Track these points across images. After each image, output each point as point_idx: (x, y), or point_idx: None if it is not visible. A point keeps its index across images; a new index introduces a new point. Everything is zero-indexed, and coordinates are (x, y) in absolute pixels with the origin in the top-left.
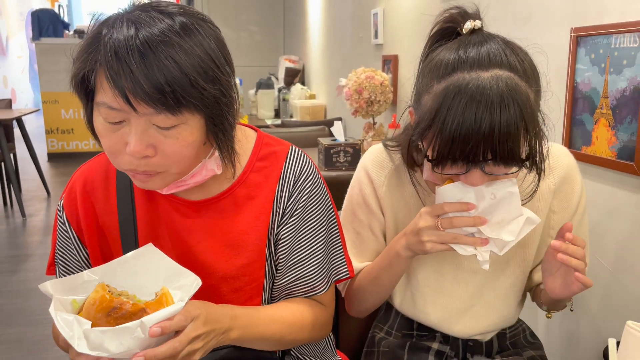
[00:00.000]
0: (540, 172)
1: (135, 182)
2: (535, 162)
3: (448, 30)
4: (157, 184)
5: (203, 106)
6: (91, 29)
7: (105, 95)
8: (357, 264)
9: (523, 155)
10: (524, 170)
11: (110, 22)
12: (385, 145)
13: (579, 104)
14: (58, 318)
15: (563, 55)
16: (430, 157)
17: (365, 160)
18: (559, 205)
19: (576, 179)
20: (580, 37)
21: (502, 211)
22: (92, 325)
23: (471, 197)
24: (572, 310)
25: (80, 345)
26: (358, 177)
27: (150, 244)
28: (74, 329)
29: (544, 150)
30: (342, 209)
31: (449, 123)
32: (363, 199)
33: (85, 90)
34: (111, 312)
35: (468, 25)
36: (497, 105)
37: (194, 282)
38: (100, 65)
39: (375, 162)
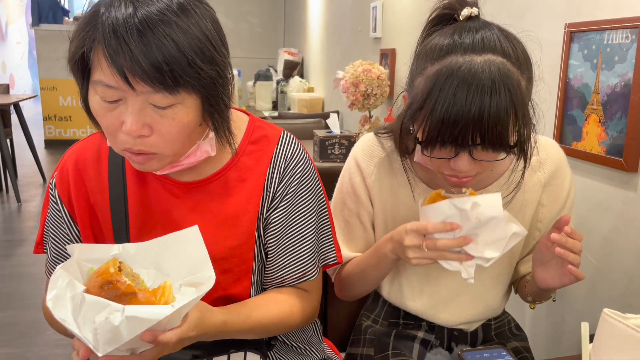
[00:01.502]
0: (527, 160)
1: (133, 165)
2: (523, 149)
3: (445, 17)
4: (153, 166)
5: (200, 86)
6: (87, 9)
7: (103, 73)
8: (346, 252)
9: (511, 142)
10: (511, 162)
11: (108, 1)
12: (377, 133)
13: (570, 99)
14: (58, 274)
15: (557, 51)
16: (420, 139)
17: (355, 149)
18: (548, 198)
19: (566, 173)
20: (573, 33)
21: (486, 234)
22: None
23: (455, 217)
24: (554, 301)
25: (57, 308)
26: (348, 166)
27: (196, 226)
28: (66, 292)
29: (532, 140)
30: (333, 197)
31: (439, 105)
32: (352, 188)
33: (82, 68)
34: (104, 286)
35: (465, 12)
36: (488, 89)
37: (207, 281)
38: (98, 43)
39: (365, 151)
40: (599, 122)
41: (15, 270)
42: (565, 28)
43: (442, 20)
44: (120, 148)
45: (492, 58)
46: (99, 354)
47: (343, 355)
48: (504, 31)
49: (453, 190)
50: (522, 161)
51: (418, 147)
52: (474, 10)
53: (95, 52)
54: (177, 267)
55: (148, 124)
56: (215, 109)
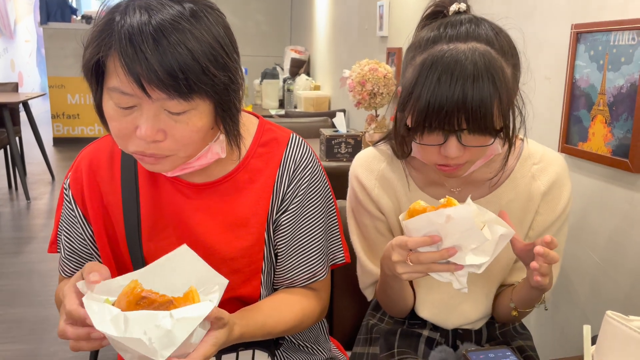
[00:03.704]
0: (510, 145)
1: (144, 165)
2: (508, 134)
3: (437, 14)
4: (165, 167)
5: (213, 92)
6: (101, 15)
7: (119, 80)
8: (376, 269)
9: (497, 126)
10: (503, 159)
11: (122, 8)
12: (375, 146)
13: (577, 100)
14: (89, 304)
15: (563, 51)
16: (409, 126)
17: (353, 167)
18: (545, 207)
19: (566, 185)
20: (580, 34)
21: (469, 242)
22: None
23: (435, 229)
24: (546, 309)
25: (105, 330)
26: (351, 186)
27: (185, 245)
28: (104, 315)
29: (522, 131)
30: (347, 220)
31: (425, 91)
32: (361, 205)
33: (96, 74)
34: (140, 302)
35: (453, 7)
36: (471, 74)
37: (221, 284)
38: (114, 50)
39: (364, 166)
40: (605, 123)
41: (25, 268)
42: (571, 29)
43: (434, 16)
44: (132, 151)
45: (476, 46)
46: None
47: (349, 354)
48: (489, 23)
49: (446, 194)
50: (522, 171)
51: (415, 142)
52: (462, 6)
53: (111, 59)
54: (184, 283)
55: (162, 129)
56: (227, 114)
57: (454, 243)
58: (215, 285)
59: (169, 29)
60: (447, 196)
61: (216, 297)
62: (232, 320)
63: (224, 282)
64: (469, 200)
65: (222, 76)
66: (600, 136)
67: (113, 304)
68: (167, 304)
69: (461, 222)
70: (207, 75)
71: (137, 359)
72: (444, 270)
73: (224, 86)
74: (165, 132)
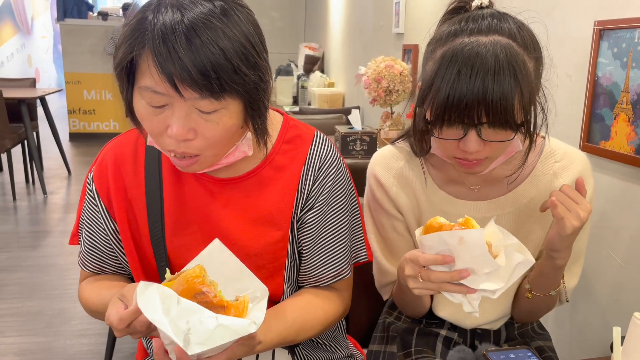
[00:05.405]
0: (531, 141)
1: (177, 167)
2: (529, 129)
3: (460, 9)
4: (195, 169)
5: (244, 92)
6: (132, 13)
7: (152, 80)
8: (393, 269)
9: (518, 121)
10: (523, 158)
11: (154, 7)
12: (394, 143)
13: (599, 98)
14: (142, 288)
15: (585, 49)
16: (429, 119)
17: (371, 165)
18: None
19: (589, 184)
20: (603, 31)
21: (482, 266)
22: None
23: (448, 249)
24: (567, 301)
25: (147, 310)
26: (369, 184)
27: (217, 239)
28: (155, 295)
29: (539, 122)
30: (365, 219)
31: (445, 83)
32: (378, 204)
33: (127, 74)
34: (197, 295)
35: (476, 2)
36: (492, 67)
37: (263, 294)
38: (147, 49)
39: (382, 164)
40: (628, 121)
41: (42, 262)
42: (594, 25)
43: (457, 11)
44: (165, 149)
45: (498, 39)
46: (189, 353)
47: (365, 351)
48: (513, 17)
49: (457, 221)
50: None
51: (434, 138)
52: (485, 1)
53: (144, 58)
54: (220, 282)
55: (193, 128)
56: (256, 113)
57: (467, 265)
58: (254, 289)
59: (201, 28)
60: (466, 216)
61: (261, 316)
62: (258, 339)
63: (265, 289)
64: (492, 222)
65: (253, 75)
66: (623, 135)
67: (173, 280)
68: (219, 308)
69: (473, 246)
70: (238, 74)
71: (172, 348)
72: (456, 291)
73: (254, 85)
74: (196, 131)
